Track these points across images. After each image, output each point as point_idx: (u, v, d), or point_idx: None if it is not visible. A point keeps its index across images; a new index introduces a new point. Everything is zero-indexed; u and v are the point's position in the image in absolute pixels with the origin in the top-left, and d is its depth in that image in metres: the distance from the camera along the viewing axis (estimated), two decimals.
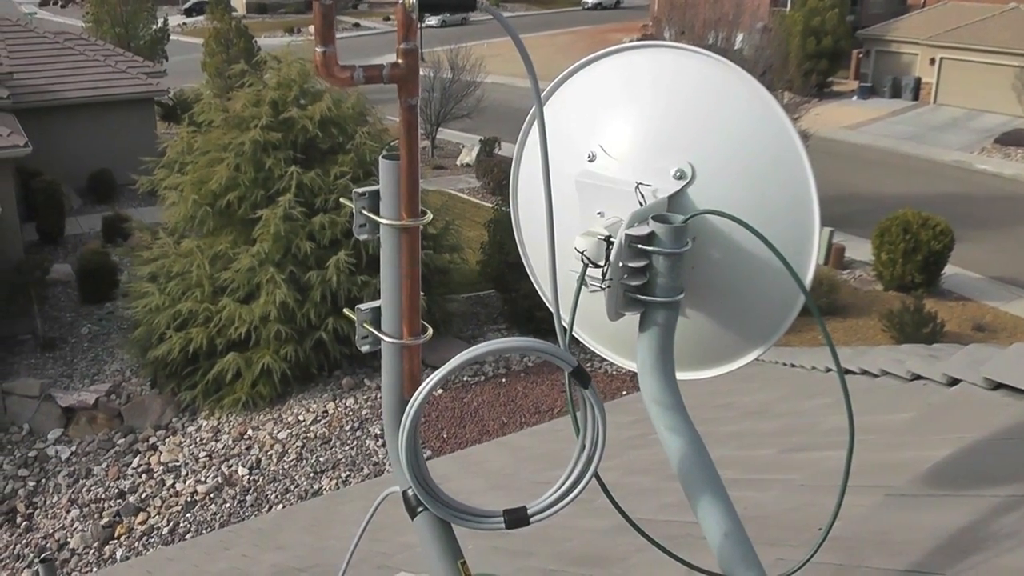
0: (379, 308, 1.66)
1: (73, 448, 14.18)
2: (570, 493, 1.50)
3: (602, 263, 1.60)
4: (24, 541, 12.29)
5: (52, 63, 24.88)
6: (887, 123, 38.48)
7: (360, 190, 1.61)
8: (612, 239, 1.59)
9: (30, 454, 14.07)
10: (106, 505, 12.85)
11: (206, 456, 13.76)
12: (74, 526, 12.49)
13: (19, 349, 16.94)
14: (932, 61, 41.55)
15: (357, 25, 67.87)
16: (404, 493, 1.59)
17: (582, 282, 1.63)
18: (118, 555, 11.87)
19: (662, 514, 3.63)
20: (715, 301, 1.72)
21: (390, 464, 1.63)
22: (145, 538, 12.17)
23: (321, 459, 13.34)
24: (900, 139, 35.86)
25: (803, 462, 3.63)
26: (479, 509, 1.52)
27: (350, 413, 14.32)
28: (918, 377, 4.66)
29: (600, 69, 1.85)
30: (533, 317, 16.12)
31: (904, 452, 3.20)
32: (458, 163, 31.32)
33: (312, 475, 13.02)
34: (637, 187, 1.64)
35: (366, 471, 12.93)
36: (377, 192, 1.60)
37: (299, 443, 13.72)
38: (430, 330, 1.66)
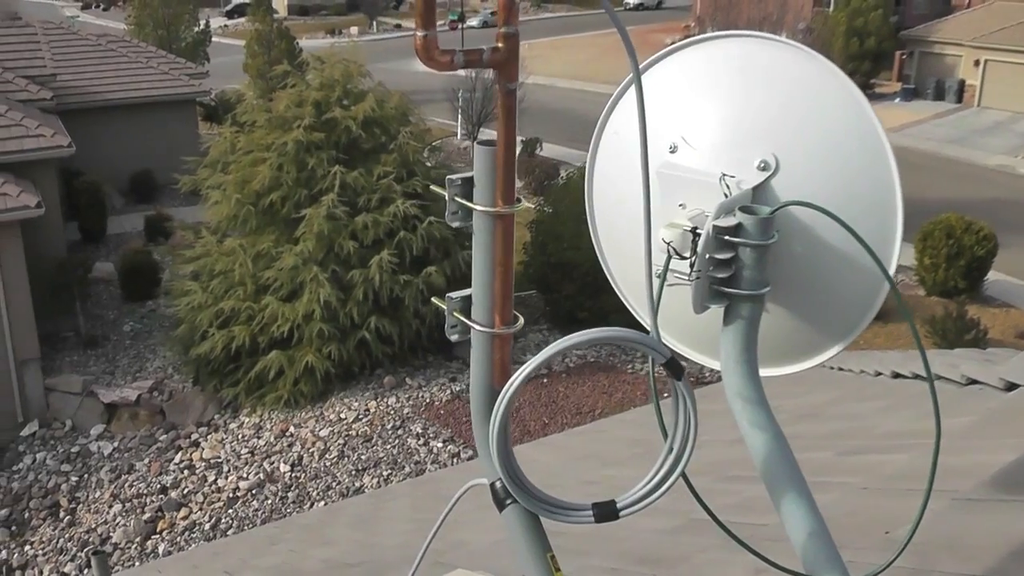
0: (469, 297, 1.64)
1: (115, 444, 14.31)
2: (660, 487, 1.48)
3: (687, 255, 1.58)
4: (67, 535, 12.42)
5: (95, 65, 25.07)
6: (930, 126, 38.12)
7: (454, 176, 1.61)
8: (698, 231, 1.57)
9: (73, 449, 14.22)
10: (148, 500, 12.96)
11: (248, 453, 13.84)
12: (116, 521, 12.61)
13: (62, 346, 17.12)
14: (976, 63, 41.12)
15: (399, 26, 68.12)
16: (492, 485, 1.57)
17: (666, 274, 1.61)
18: (160, 550, 11.96)
19: (722, 515, 3.62)
20: (796, 296, 1.70)
21: (478, 454, 1.61)
22: (187, 533, 12.26)
23: (363, 457, 13.38)
24: (943, 142, 35.52)
25: (861, 465, 3.60)
26: (568, 502, 1.51)
27: (392, 412, 14.36)
28: (974, 382, 4.61)
29: (681, 59, 1.82)
30: (575, 319, 16.09)
31: (967, 456, 3.17)
32: None
33: (354, 473, 13.07)
34: (722, 178, 1.62)
35: (408, 470, 12.96)
36: (471, 179, 1.59)
37: (341, 441, 13.77)
38: (521, 320, 1.63)
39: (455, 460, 13.03)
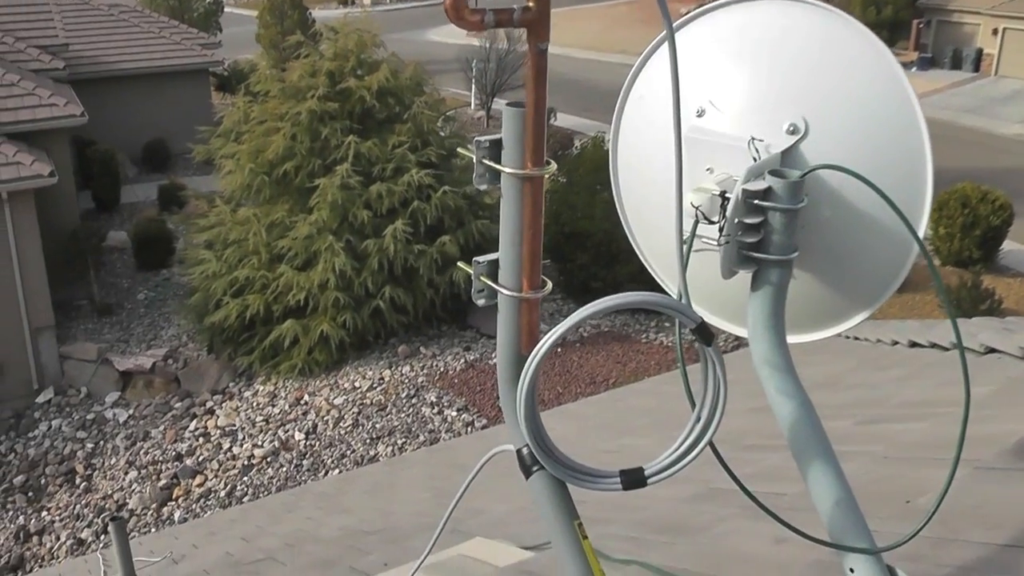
0: (496, 261, 1.62)
1: (130, 411, 14.39)
2: (688, 455, 1.47)
3: (716, 219, 1.56)
4: (84, 501, 12.51)
5: (107, 35, 25.02)
6: (947, 95, 37.80)
7: (482, 138, 1.57)
8: (727, 195, 1.55)
9: (88, 416, 14.30)
10: (163, 468, 13.04)
11: (263, 421, 13.90)
12: (132, 488, 12.69)
13: (76, 314, 17.18)
14: (995, 31, 40.69)
15: None
16: (519, 452, 1.55)
17: (693, 238, 1.59)
18: (176, 516, 12.04)
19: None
20: (822, 262, 1.68)
21: (505, 421, 1.60)
22: (202, 500, 12.33)
23: (377, 425, 13.42)
24: (960, 111, 35.24)
25: (881, 434, 3.58)
26: (595, 469, 1.50)
27: (406, 381, 14.39)
28: (992, 350, 4.59)
29: (708, 22, 1.80)
30: (589, 288, 16.07)
31: (988, 426, 3.15)
32: None
33: (368, 441, 13.11)
34: (751, 142, 1.60)
35: (422, 438, 12.99)
36: (499, 141, 1.55)
37: (355, 409, 13.81)
38: (549, 284, 1.63)
39: (469, 429, 13.06)
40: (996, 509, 2.35)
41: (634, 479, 1.47)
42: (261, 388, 14.72)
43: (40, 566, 11.39)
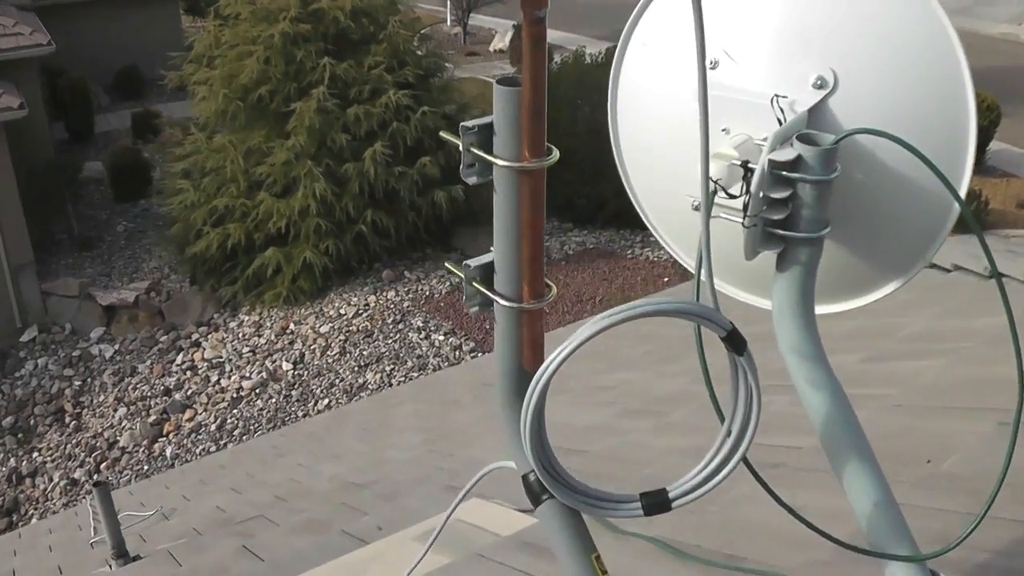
0: (491, 264, 1.40)
1: (116, 347, 14.23)
2: (717, 474, 1.32)
3: (737, 192, 1.38)
4: (74, 441, 12.41)
5: None
6: None
7: (469, 123, 1.33)
8: (749, 164, 1.37)
9: (74, 353, 14.14)
10: (152, 403, 12.94)
11: (249, 352, 13.77)
12: (122, 424, 12.60)
13: (56, 249, 16.92)
14: None
15: None
16: (525, 478, 1.39)
17: (709, 213, 1.38)
18: (168, 452, 11.97)
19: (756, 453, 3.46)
20: (852, 228, 1.50)
21: (507, 442, 1.44)
22: (193, 435, 12.26)
23: (365, 353, 13.31)
24: (945, 12, 34.79)
25: (890, 375, 3.42)
26: (613, 495, 1.34)
27: (392, 306, 14.25)
28: (1002, 275, 4.44)
29: None
30: (573, 205, 15.90)
31: (1007, 367, 3.01)
32: (491, 49, 30.66)
33: (356, 369, 13.01)
34: (774, 100, 1.41)
35: (410, 364, 12.90)
36: (490, 126, 1.33)
37: (342, 337, 13.69)
38: (554, 290, 1.41)
39: (457, 353, 12.97)
40: None
41: (656, 503, 1.31)
42: (246, 318, 14.57)
43: (35, 508, 11.33)
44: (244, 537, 4.57)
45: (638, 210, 1.77)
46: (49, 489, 11.62)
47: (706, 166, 1.33)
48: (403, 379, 12.59)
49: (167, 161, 16.36)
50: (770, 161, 1.34)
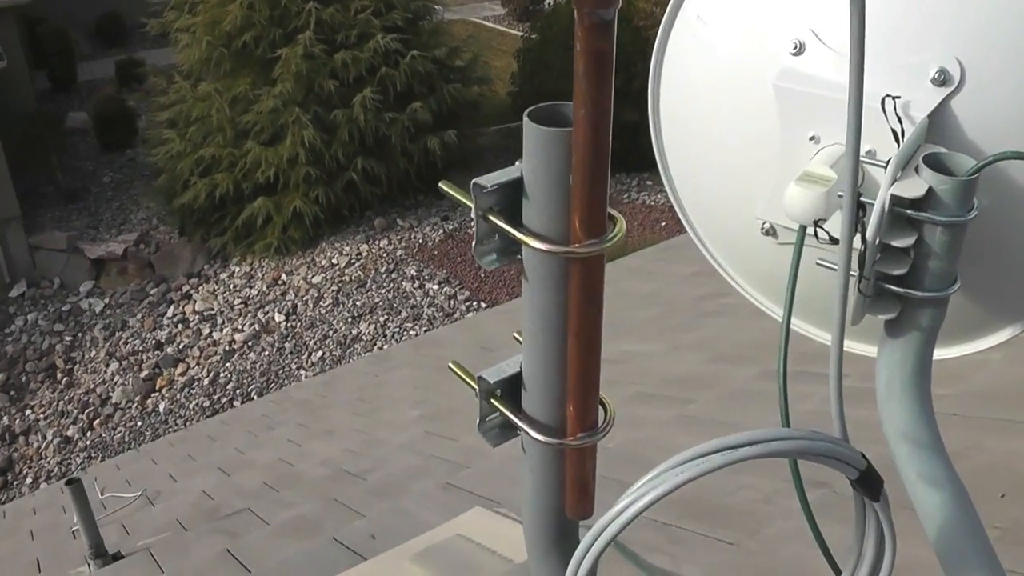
0: (518, 377, 0.96)
1: (106, 300, 14.06)
2: None
3: (841, 233, 1.02)
4: (67, 397, 12.28)
5: None
6: None
7: (486, 181, 0.86)
8: (863, 199, 1.02)
9: (64, 308, 13.97)
10: (144, 357, 12.79)
11: (241, 303, 13.61)
12: (115, 380, 12.46)
13: (42, 202, 16.66)
14: None
15: None
16: None
17: (799, 259, 1.06)
18: (161, 408, 11.85)
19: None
20: (974, 263, 1.13)
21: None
22: (186, 390, 12.13)
23: (358, 303, 13.16)
24: None
25: (946, 377, 3.14)
26: None
27: (384, 255, 14.07)
28: None
29: None
30: None
31: None
32: None
33: (350, 320, 12.86)
34: (884, 101, 1.05)
35: (404, 314, 12.75)
36: (518, 183, 0.86)
37: (334, 287, 13.53)
38: (613, 415, 0.97)
39: (452, 302, 12.81)
40: None
41: None
42: (237, 270, 14.38)
43: (29, 467, 11.21)
44: (229, 536, 4.39)
45: (690, 232, 1.44)
46: (43, 447, 11.50)
47: (853, 216, 0.99)
48: (397, 330, 12.44)
49: (152, 110, 16.07)
50: (892, 196, 1.01)
